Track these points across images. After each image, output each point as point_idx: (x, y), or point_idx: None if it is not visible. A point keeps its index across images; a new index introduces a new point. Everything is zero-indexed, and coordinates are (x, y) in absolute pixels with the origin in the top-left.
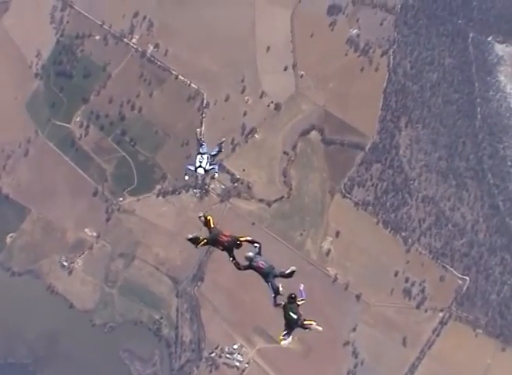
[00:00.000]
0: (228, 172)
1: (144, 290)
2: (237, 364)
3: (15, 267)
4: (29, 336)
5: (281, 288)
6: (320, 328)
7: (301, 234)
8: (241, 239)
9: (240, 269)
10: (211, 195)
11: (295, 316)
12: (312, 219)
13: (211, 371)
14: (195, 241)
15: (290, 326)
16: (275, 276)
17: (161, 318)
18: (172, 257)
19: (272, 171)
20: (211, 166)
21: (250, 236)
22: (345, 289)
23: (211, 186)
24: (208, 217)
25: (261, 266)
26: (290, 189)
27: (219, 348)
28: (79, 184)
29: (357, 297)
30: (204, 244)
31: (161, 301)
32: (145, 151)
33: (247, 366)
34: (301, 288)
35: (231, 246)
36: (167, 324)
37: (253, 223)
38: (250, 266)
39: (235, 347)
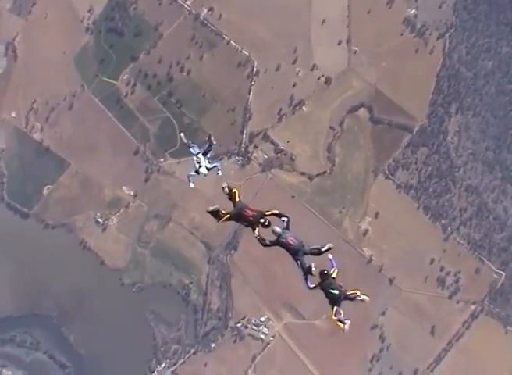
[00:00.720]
0: (272, 142)
1: (177, 253)
2: (262, 336)
3: (49, 220)
4: (57, 289)
5: (313, 268)
6: (367, 298)
7: (340, 212)
8: (267, 213)
9: (266, 245)
10: (253, 164)
11: (336, 292)
12: (353, 198)
13: (235, 341)
14: (216, 214)
15: (335, 302)
16: (305, 253)
17: (191, 283)
18: (207, 223)
19: (317, 145)
20: (213, 165)
21: (277, 209)
22: (379, 271)
23: (254, 155)
24: (234, 189)
25: (290, 242)
26: (333, 165)
27: (246, 318)
28: (120, 142)
29: (390, 281)
30: (226, 219)
31: (192, 266)
32: (190, 114)
33: (271, 339)
34: (330, 257)
35: (256, 221)
36: (196, 290)
37: (292, 196)
38: (278, 241)
39: (262, 319)
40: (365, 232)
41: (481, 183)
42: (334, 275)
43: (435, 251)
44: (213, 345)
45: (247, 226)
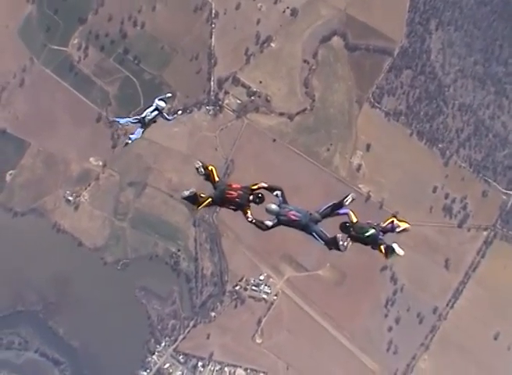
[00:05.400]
0: (243, 85)
1: (158, 220)
2: (265, 296)
3: (17, 207)
4: (37, 280)
5: (341, 241)
6: (407, 225)
7: (328, 149)
8: (254, 187)
9: (266, 228)
10: (226, 111)
11: (372, 231)
12: (339, 132)
13: (236, 306)
14: (195, 200)
15: (377, 242)
16: (318, 221)
17: (179, 250)
18: (186, 182)
19: (292, 82)
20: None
21: (265, 181)
22: (380, 208)
23: (226, 101)
24: (210, 167)
25: (293, 217)
26: (313, 100)
27: (244, 279)
28: (80, 111)
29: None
30: (208, 205)
31: (177, 232)
32: (151, 69)
33: (275, 298)
34: (351, 198)
35: (245, 202)
36: (185, 257)
37: (274, 140)
38: (279, 221)
39: (261, 278)
40: (358, 167)
41: (475, 100)
42: (354, 219)
43: (437, 179)
44: (213, 314)
45: (235, 210)
